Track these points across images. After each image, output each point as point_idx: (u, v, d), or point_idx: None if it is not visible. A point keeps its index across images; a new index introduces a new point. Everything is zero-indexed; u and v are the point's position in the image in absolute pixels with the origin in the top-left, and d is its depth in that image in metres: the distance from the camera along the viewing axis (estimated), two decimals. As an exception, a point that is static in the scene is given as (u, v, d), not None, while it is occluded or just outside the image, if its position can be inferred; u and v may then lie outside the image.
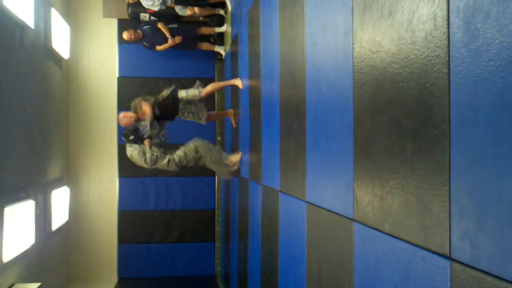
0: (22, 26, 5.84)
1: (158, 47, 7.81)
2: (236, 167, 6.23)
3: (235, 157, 6.25)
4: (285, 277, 3.87)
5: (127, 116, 5.91)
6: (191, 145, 6.08)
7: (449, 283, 1.59)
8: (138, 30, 7.71)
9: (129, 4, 8.04)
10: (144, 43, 7.82)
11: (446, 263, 1.61)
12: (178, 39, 7.77)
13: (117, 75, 8.64)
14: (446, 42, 1.60)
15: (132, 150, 5.90)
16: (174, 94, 6.08)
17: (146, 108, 5.79)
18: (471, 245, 1.48)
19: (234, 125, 6.82)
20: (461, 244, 1.53)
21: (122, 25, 8.43)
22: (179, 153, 6.00)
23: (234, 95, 6.66)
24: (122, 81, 8.63)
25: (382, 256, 2.10)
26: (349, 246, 2.47)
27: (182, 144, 6.13)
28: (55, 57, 7.55)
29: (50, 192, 6.95)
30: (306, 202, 3.23)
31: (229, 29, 7.56)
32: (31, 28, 6.12)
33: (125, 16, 8.32)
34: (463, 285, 1.51)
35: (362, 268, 2.32)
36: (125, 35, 7.63)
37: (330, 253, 2.80)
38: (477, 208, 1.45)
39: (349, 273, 2.47)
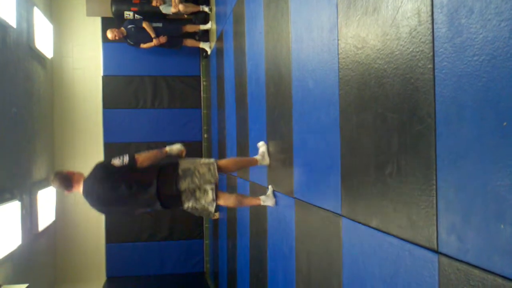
0: (4, 25, 5.76)
1: (143, 45, 7.75)
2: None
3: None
4: (274, 273, 3.88)
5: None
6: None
7: (437, 276, 1.60)
8: (122, 28, 7.64)
9: (112, 1, 7.97)
10: (129, 41, 7.76)
11: (433, 257, 1.62)
12: (163, 39, 7.72)
13: (101, 74, 8.57)
14: (430, 37, 1.61)
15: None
16: None
17: None
18: (458, 239, 1.49)
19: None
20: (448, 238, 1.54)
21: (106, 24, 8.36)
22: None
23: (220, 91, 6.64)
24: (107, 80, 8.56)
25: (370, 251, 2.11)
26: (338, 241, 2.48)
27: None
28: (39, 57, 7.46)
29: (36, 192, 6.88)
30: (294, 198, 3.23)
31: (214, 26, 7.53)
32: (13, 28, 6.04)
33: (109, 14, 8.23)
34: (451, 278, 1.52)
35: (351, 263, 2.33)
36: (109, 35, 7.56)
37: (319, 248, 2.81)
38: (463, 202, 1.46)
39: (338, 268, 2.48)
